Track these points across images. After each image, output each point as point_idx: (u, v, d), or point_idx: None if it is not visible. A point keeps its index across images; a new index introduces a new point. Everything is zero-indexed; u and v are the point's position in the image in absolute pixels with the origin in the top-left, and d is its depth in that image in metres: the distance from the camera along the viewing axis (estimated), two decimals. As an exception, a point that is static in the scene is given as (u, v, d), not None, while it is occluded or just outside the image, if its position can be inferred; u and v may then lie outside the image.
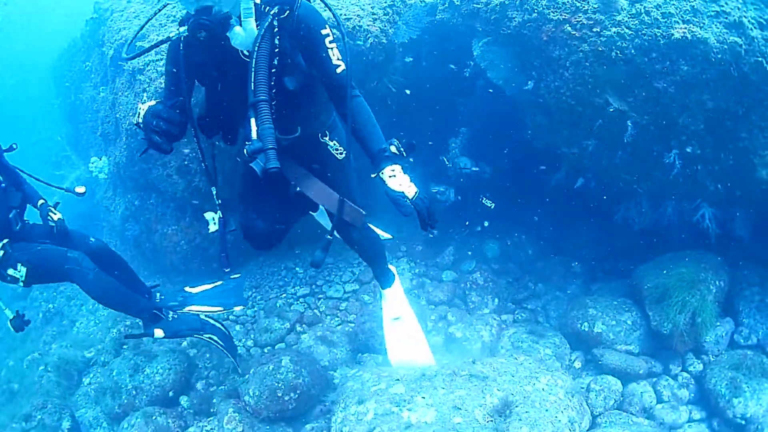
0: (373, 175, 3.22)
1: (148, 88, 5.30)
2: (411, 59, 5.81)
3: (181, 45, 3.25)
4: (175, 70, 3.34)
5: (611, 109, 5.02)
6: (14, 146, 4.38)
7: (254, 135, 2.82)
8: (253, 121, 2.84)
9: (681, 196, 5.52)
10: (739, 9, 4.71)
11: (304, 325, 5.71)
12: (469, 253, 6.40)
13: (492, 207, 6.09)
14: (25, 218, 4.47)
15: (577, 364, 5.16)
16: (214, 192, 3.63)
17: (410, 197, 3.14)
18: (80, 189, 4.58)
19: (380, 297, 4.70)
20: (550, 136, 5.62)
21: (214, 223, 3.51)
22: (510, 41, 5.35)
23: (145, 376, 5.12)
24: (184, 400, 5.14)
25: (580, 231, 6.32)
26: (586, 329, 5.24)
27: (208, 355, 5.48)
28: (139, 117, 3.17)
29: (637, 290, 5.37)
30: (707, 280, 5.04)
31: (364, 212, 3.79)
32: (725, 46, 4.77)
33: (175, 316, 4.48)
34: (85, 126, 8.38)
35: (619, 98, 5.08)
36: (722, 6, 4.83)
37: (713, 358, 4.87)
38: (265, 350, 5.49)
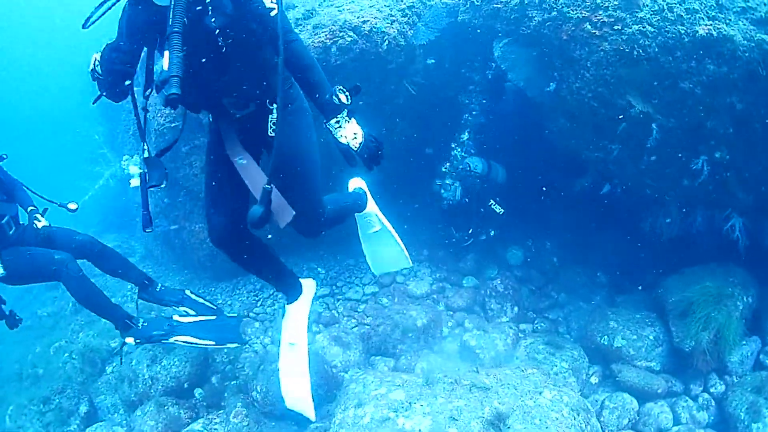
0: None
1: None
2: (433, 61, 5.62)
3: (127, 5, 3.02)
4: (125, 31, 3.09)
5: (635, 112, 4.71)
6: (4, 156, 4.55)
7: (165, 66, 2.66)
8: (166, 53, 2.67)
9: (710, 205, 5.10)
10: (766, 4, 4.31)
11: (320, 326, 5.59)
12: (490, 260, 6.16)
13: (502, 213, 5.80)
14: (21, 222, 4.63)
15: (594, 380, 4.81)
16: (145, 147, 3.36)
17: (355, 149, 3.07)
18: (72, 205, 4.67)
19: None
20: (573, 139, 5.30)
21: (137, 178, 3.34)
22: (530, 41, 5.09)
23: (162, 367, 5.11)
24: (198, 392, 5.11)
25: (607, 239, 5.95)
26: (606, 343, 4.90)
27: (225, 350, 5.44)
28: (95, 63, 3.01)
29: (661, 304, 4.99)
30: (734, 295, 4.62)
31: (293, 212, 3.38)
32: (752, 44, 4.37)
33: (145, 324, 4.50)
34: (120, 124, 8.47)
35: (643, 100, 4.73)
36: (748, 1, 4.44)
37: (737, 379, 4.44)
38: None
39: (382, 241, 4.54)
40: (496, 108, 6.23)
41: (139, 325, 4.45)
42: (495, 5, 5.17)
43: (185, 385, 5.10)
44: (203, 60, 2.95)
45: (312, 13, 5.13)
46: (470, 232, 5.89)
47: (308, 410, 4.12)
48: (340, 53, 4.99)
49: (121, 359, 4.84)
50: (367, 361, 5.18)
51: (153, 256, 7.48)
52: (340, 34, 4.95)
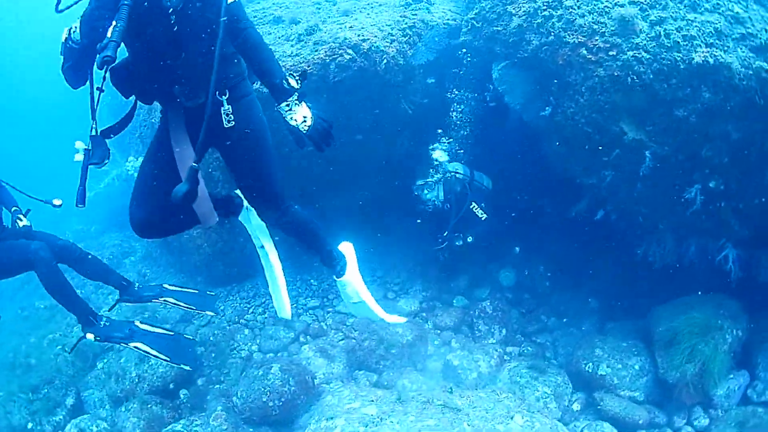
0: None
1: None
2: (433, 80, 5.58)
3: None
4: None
5: (628, 139, 4.58)
6: None
7: (109, 34, 2.66)
8: (114, 23, 2.69)
9: (705, 234, 4.92)
10: (766, 31, 4.19)
11: (308, 336, 5.51)
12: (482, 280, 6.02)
13: (484, 219, 5.61)
14: (4, 223, 4.61)
15: (576, 406, 4.62)
16: (94, 125, 3.32)
17: (305, 131, 3.08)
18: (57, 201, 4.68)
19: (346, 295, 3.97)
20: (568, 164, 5.17)
21: (81, 153, 3.27)
22: (528, 65, 5.01)
23: (150, 366, 5.10)
24: (183, 393, 5.08)
25: (601, 265, 5.76)
26: (590, 370, 4.71)
27: (213, 354, 5.41)
28: (71, 32, 2.96)
29: (649, 333, 4.80)
30: (723, 328, 4.41)
31: (216, 216, 3.49)
32: (750, 72, 4.23)
33: (107, 324, 4.48)
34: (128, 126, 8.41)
35: (637, 127, 4.61)
36: (748, 28, 4.31)
37: (722, 413, 4.21)
38: (267, 356, 5.36)
39: (363, 311, 4.12)
40: (491, 129, 6.10)
41: (102, 323, 4.42)
42: (495, 27, 5.11)
43: (171, 386, 5.08)
44: (156, 38, 2.94)
45: (314, 30, 5.12)
46: (444, 234, 5.58)
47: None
48: (339, 70, 4.96)
49: (71, 349, 4.80)
50: (351, 375, 5.07)
51: (152, 257, 7.46)
52: (339, 52, 4.92)
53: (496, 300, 5.70)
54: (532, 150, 5.49)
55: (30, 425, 4.82)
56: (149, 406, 4.81)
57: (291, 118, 3.08)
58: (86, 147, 3.27)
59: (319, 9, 5.67)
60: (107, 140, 3.37)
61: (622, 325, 5.33)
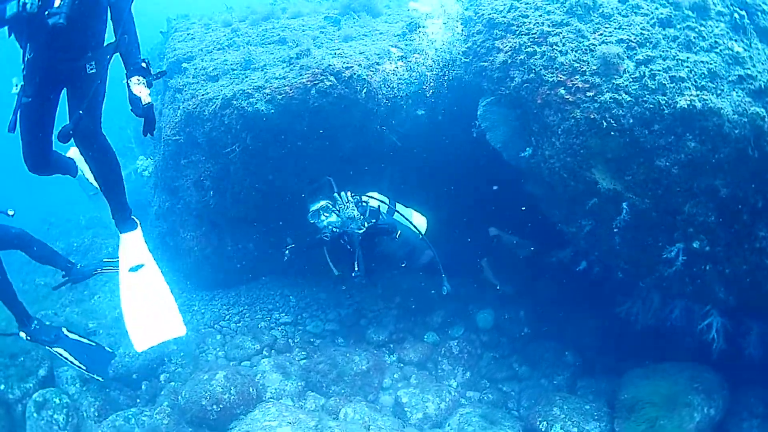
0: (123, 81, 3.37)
1: (182, 106, 5.28)
2: (423, 112, 5.12)
3: None
4: None
5: (602, 188, 3.91)
6: None
7: None
8: None
9: (689, 298, 4.12)
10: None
11: (272, 351, 5.11)
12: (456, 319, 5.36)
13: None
14: None
15: (520, 466, 3.95)
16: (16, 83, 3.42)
17: (143, 103, 3.31)
18: (10, 212, 4.50)
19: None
20: (549, 210, 4.54)
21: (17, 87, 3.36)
22: (511, 102, 4.41)
23: (118, 354, 4.97)
24: (144, 385, 4.91)
25: (582, 318, 5.02)
26: (543, 429, 4.00)
27: (182, 354, 5.15)
28: None
29: (616, 398, 4.05)
30: (692, 404, 3.64)
31: None
32: (744, 119, 3.48)
33: (38, 327, 4.39)
34: None
35: (613, 176, 3.89)
36: (747, 69, 3.58)
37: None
38: (231, 363, 5.02)
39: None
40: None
41: (32, 326, 4.33)
42: (482, 63, 4.57)
43: (134, 376, 4.95)
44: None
45: (305, 54, 4.79)
46: (356, 264, 4.65)
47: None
48: (319, 96, 4.56)
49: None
50: (303, 394, 4.61)
51: (153, 253, 7.20)
52: (321, 78, 4.54)
53: (465, 341, 5.06)
54: (515, 190, 4.89)
55: (2, 387, 4.74)
56: (108, 390, 4.78)
57: (136, 89, 3.33)
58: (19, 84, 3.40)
59: (323, 33, 5.37)
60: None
61: (596, 383, 4.59)
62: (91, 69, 3.47)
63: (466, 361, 4.92)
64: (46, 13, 3.06)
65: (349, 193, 4.76)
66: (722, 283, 3.79)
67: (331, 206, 4.71)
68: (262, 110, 4.67)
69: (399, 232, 4.80)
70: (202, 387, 4.28)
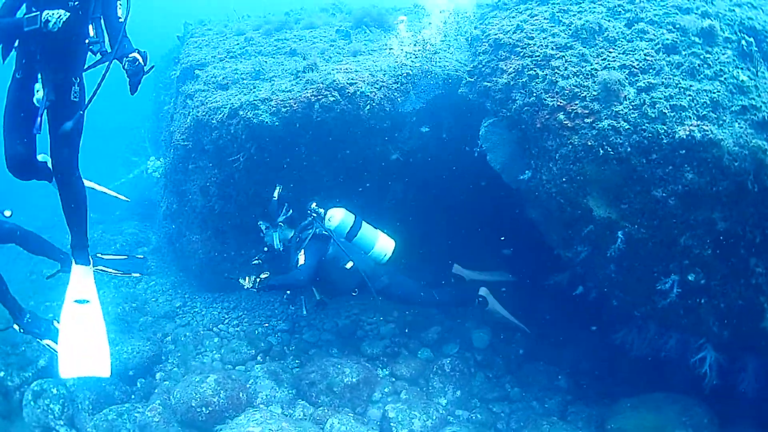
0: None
1: (192, 112, 5.39)
2: (428, 129, 5.12)
3: None
4: None
5: (597, 215, 3.85)
6: None
7: None
8: None
9: (684, 330, 4.03)
10: (775, 102, 3.36)
11: (267, 357, 5.16)
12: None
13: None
14: None
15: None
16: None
17: (142, 63, 3.53)
18: (7, 213, 4.57)
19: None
20: (547, 233, 4.50)
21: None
22: (512, 124, 4.39)
23: (116, 350, 4.98)
24: (140, 382, 4.97)
25: (578, 342, 4.95)
26: (528, 453, 3.98)
27: (179, 354, 5.25)
28: None
29: (603, 428, 3.98)
30: (678, 441, 3.54)
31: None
32: (745, 151, 3.38)
33: (30, 320, 4.41)
34: (164, 121, 8.11)
35: (609, 204, 3.83)
36: (752, 99, 3.49)
37: None
38: (226, 367, 5.09)
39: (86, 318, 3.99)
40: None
41: (26, 319, 4.37)
42: (486, 83, 4.56)
43: (130, 373, 5.02)
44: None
45: (311, 68, 4.87)
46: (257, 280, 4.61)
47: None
48: (322, 111, 4.63)
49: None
50: (294, 402, 4.64)
51: (161, 252, 7.39)
52: (325, 93, 4.60)
53: (459, 359, 5.01)
54: (516, 212, 4.86)
55: (2, 374, 4.88)
56: (103, 384, 4.74)
57: (134, 59, 3.50)
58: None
59: (332, 46, 5.43)
60: None
61: (587, 409, 4.49)
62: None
63: (458, 380, 4.88)
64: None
65: (314, 204, 4.79)
66: (717, 317, 3.70)
67: (263, 226, 4.85)
68: (267, 122, 4.75)
69: (351, 263, 4.68)
70: (192, 389, 4.34)
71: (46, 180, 4.17)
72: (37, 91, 3.67)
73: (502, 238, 5.23)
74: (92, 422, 4.43)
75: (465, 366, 5.01)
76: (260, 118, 4.76)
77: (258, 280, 4.57)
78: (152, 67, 3.64)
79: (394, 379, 4.96)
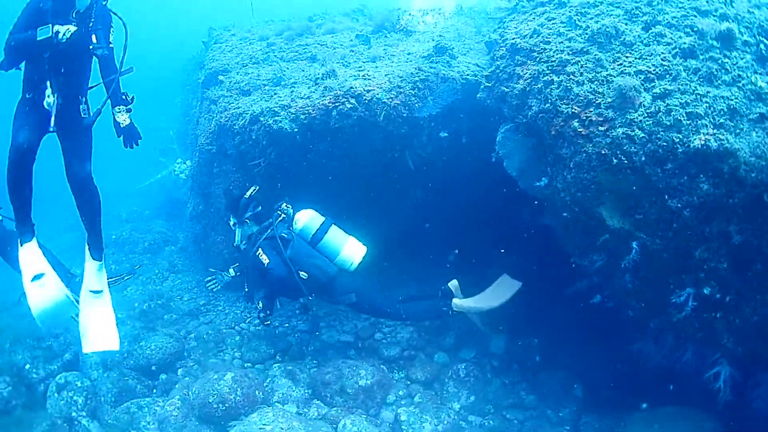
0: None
1: (216, 117, 5.56)
2: (446, 134, 5.13)
3: None
4: None
5: (611, 225, 3.81)
6: None
7: None
8: None
9: (699, 344, 3.95)
10: (795, 109, 3.25)
11: (286, 357, 5.31)
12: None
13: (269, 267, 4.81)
14: None
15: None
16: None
17: (122, 126, 4.26)
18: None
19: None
20: (563, 241, 4.48)
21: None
22: (528, 131, 4.38)
23: (139, 346, 5.26)
24: (162, 377, 5.16)
25: (596, 352, 4.89)
26: (537, 463, 3.99)
27: (201, 351, 5.45)
28: None
29: (615, 440, 3.95)
30: (688, 456, 3.49)
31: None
32: (762, 162, 3.27)
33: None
34: (191, 124, 8.34)
35: (623, 214, 3.80)
36: (773, 105, 3.38)
37: None
38: (245, 365, 5.27)
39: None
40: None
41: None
42: (503, 88, 4.55)
43: (153, 368, 5.20)
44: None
45: (330, 75, 4.96)
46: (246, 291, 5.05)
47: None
48: (340, 117, 4.71)
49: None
50: (309, 401, 4.77)
51: (188, 251, 7.63)
52: (342, 100, 4.68)
53: (474, 364, 5.04)
54: (534, 218, 4.85)
55: (27, 366, 5.05)
56: (126, 378, 4.98)
57: (120, 117, 4.28)
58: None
59: (353, 52, 5.51)
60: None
61: (600, 420, 4.47)
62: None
63: (472, 385, 4.91)
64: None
65: (284, 204, 4.95)
66: (731, 333, 3.61)
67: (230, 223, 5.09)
68: (286, 129, 4.87)
69: (307, 275, 4.75)
70: (210, 385, 4.53)
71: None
72: (48, 96, 4.13)
73: (502, 251, 5.21)
74: (113, 414, 4.63)
75: (481, 371, 5.04)
76: (280, 124, 4.89)
77: (260, 312, 4.86)
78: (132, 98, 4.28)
79: (409, 383, 5.03)
